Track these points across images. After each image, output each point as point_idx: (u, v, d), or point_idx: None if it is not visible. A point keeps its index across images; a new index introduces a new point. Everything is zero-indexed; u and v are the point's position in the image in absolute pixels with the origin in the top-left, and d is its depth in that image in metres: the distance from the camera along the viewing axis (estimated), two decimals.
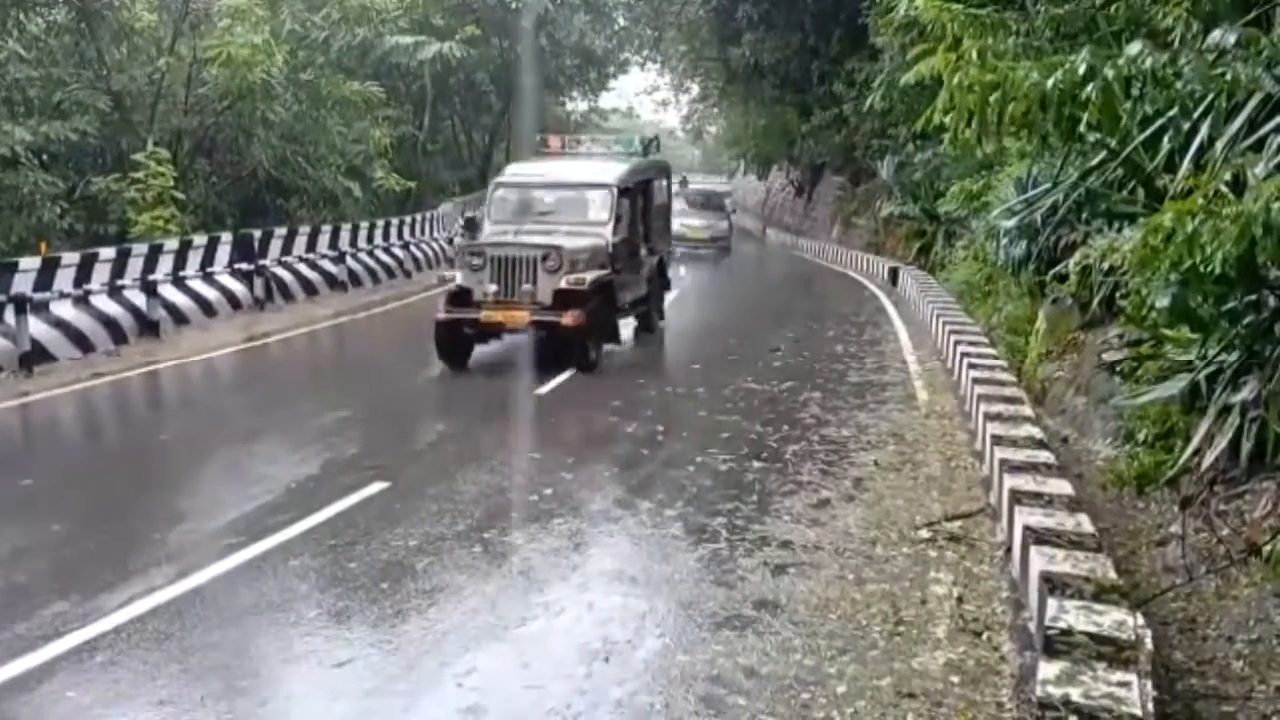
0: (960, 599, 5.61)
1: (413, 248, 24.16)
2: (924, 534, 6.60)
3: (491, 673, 4.82)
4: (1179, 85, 4.59)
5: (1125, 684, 3.74)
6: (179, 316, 15.42)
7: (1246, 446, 5.85)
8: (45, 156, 20.64)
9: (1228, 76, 4.63)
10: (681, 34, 42.88)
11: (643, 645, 5.07)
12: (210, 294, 16.49)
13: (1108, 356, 8.69)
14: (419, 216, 26.39)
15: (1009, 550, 6.04)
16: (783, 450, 8.62)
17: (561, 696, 4.56)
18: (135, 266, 14.95)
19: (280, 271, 18.59)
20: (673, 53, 46.72)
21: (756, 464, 8.21)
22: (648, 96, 68.09)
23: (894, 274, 21.72)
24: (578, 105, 58.16)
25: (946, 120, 4.82)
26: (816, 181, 38.13)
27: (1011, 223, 11.47)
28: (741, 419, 9.72)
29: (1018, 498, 5.97)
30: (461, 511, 7.03)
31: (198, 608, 5.52)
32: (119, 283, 14.41)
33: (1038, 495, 5.99)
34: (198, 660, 4.93)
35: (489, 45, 40.02)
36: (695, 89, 50.14)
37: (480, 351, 12.32)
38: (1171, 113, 6.26)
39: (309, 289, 19.18)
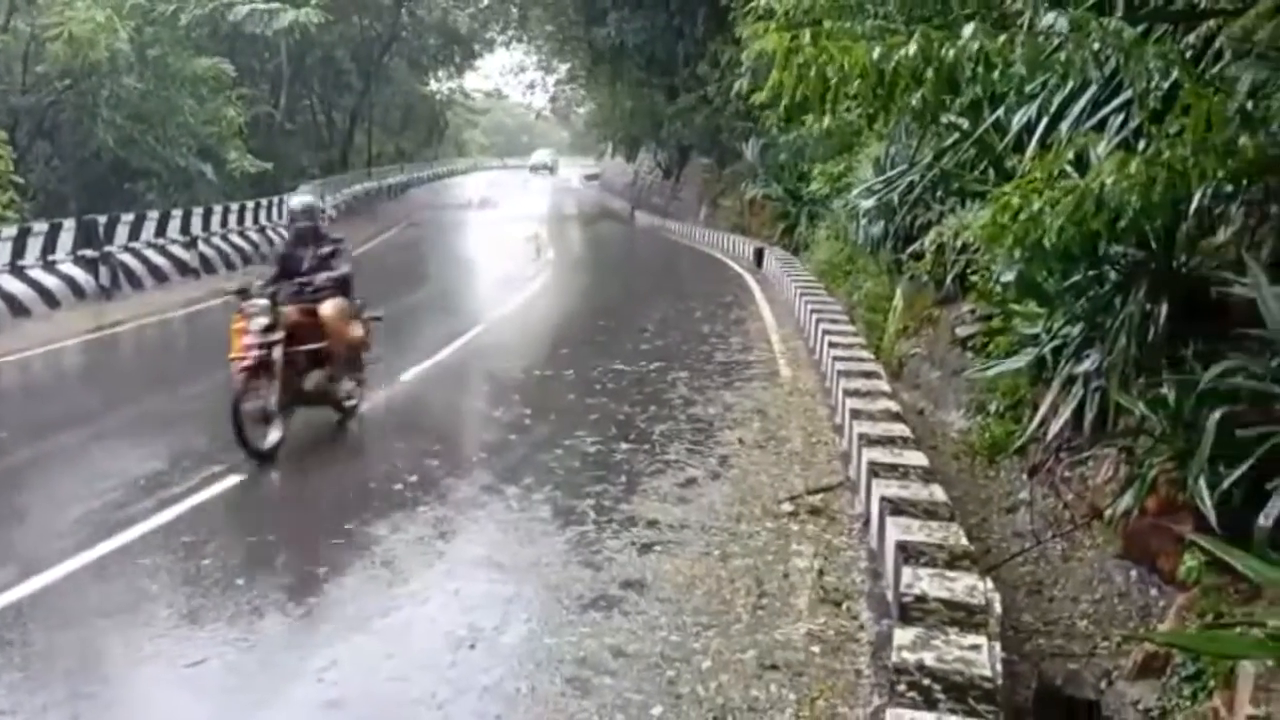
0: (821, 571, 5.72)
1: (269, 231, 23.40)
2: (786, 508, 6.71)
3: (353, 666, 4.70)
4: (1012, 69, 4.76)
5: (976, 647, 3.87)
6: (18, 308, 14.69)
7: (1089, 416, 6.10)
8: None
9: (1062, 58, 4.81)
10: (547, 13, 42.51)
11: (509, 630, 5.02)
12: (52, 283, 15.73)
13: (961, 331, 8.97)
14: (276, 199, 25.56)
15: (867, 521, 6.18)
16: (650, 430, 8.65)
17: (426, 686, 4.47)
18: None
19: (127, 258, 17.82)
20: (539, 32, 46.29)
21: (624, 445, 8.21)
22: (514, 78, 67.57)
23: (759, 254, 22.02)
24: (442, 85, 57.23)
25: (783, 91, 4.88)
26: (684, 163, 38.33)
27: (870, 203, 11.74)
28: (610, 400, 9.71)
29: (875, 470, 6.12)
30: (321, 504, 6.84)
31: (41, 610, 5.25)
32: None
33: (894, 467, 6.15)
34: (40, 666, 4.68)
35: (349, 23, 39.01)
36: (562, 70, 49.82)
37: None
38: (1009, 99, 6.49)
39: (159, 276, 18.45)
